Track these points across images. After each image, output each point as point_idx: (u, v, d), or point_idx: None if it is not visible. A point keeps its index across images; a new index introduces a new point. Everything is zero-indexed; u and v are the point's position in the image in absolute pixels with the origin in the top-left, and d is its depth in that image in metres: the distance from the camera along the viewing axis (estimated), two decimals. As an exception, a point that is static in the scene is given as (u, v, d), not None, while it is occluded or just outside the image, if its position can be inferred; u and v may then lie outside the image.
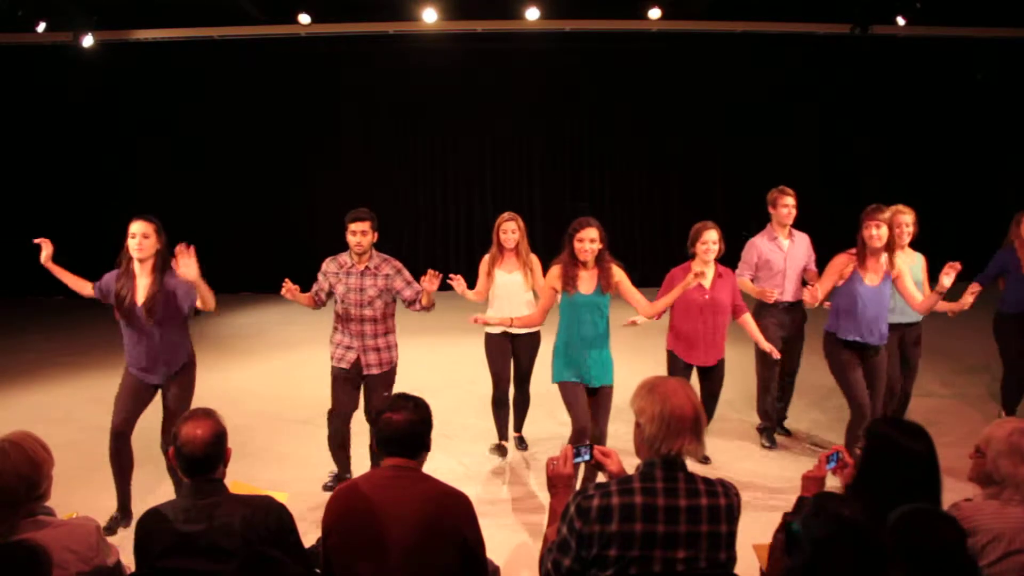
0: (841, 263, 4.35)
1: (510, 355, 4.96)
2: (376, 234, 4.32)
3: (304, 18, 9.90)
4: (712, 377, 4.68)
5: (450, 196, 12.12)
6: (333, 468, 4.61)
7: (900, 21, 9.95)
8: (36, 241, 4.06)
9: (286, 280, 4.29)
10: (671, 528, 2.03)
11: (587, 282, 4.00)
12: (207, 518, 2.19)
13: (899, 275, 4.31)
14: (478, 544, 2.33)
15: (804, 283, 4.99)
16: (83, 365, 7.59)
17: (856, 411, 4.35)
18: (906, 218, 4.72)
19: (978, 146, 11.69)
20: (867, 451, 2.27)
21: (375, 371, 4.32)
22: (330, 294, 4.41)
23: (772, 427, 5.24)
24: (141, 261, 3.92)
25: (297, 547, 2.32)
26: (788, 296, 4.98)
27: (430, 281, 4.10)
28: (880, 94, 11.62)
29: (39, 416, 5.95)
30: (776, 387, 5.21)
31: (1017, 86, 11.31)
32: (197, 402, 4.53)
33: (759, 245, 5.07)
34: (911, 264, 4.71)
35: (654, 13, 9.83)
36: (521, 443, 5.26)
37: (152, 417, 4.16)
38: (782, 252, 5.02)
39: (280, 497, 2.42)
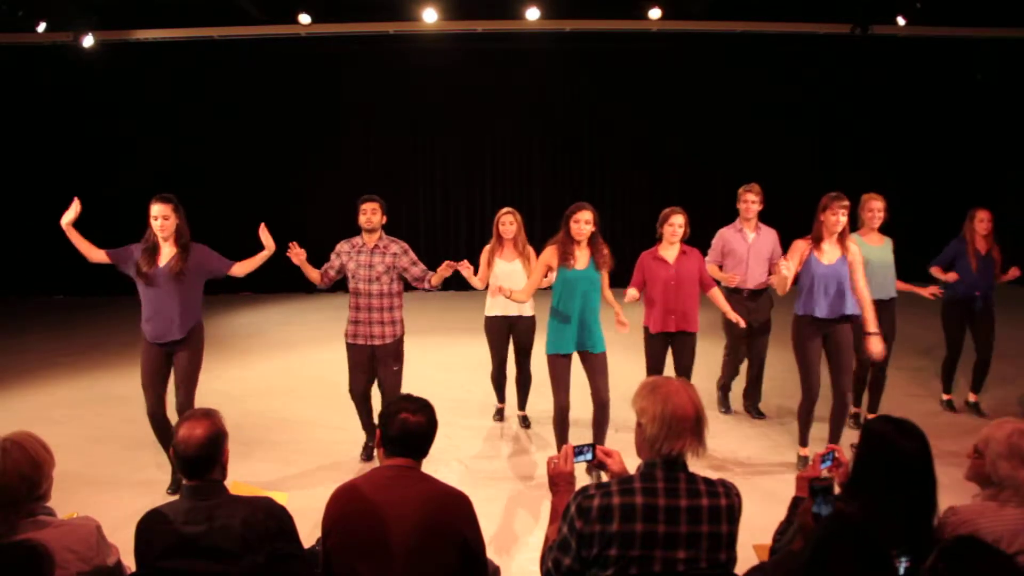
0: (799, 247, 4.62)
1: (508, 336, 5.39)
2: (385, 216, 4.71)
3: (304, 18, 9.90)
4: (683, 350, 4.96)
5: (450, 196, 12.13)
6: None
7: (900, 21, 9.95)
8: (75, 200, 4.36)
9: (293, 243, 4.61)
10: (672, 528, 2.03)
11: (582, 259, 4.42)
12: (207, 519, 2.18)
13: (852, 262, 4.56)
14: (478, 544, 2.33)
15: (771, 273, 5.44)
16: (83, 365, 7.60)
17: (806, 391, 4.69)
18: (877, 204, 5.15)
19: (978, 146, 11.69)
20: (861, 450, 2.27)
21: (379, 342, 4.66)
22: (340, 273, 4.77)
23: (727, 390, 5.81)
24: (165, 239, 4.37)
25: (297, 548, 2.31)
26: (751, 284, 5.43)
27: (446, 269, 4.50)
28: (880, 94, 11.62)
29: (40, 416, 5.95)
30: (740, 358, 5.71)
31: (1017, 86, 11.31)
32: (197, 402, 4.57)
33: (724, 235, 5.55)
34: (880, 246, 5.16)
35: (654, 13, 9.82)
36: (524, 421, 5.59)
37: (144, 425, 4.27)
38: (746, 243, 5.47)
39: (280, 498, 2.42)
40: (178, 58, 11.01)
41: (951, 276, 5.47)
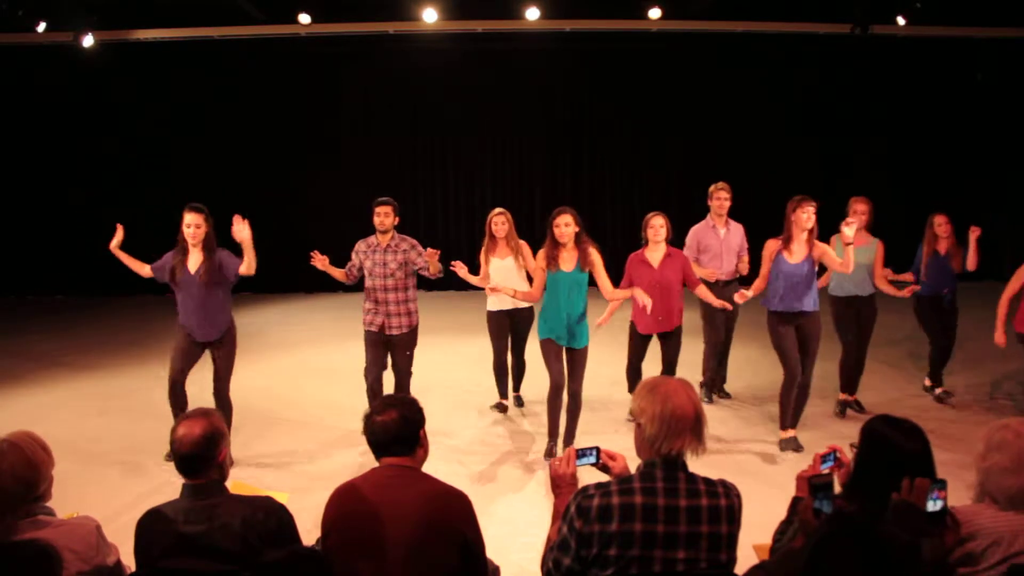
0: (771, 248, 4.95)
1: (508, 329, 5.76)
2: (398, 218, 5.11)
3: (304, 18, 9.90)
4: (669, 344, 5.30)
5: (450, 196, 12.12)
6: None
7: (900, 21, 9.94)
8: (118, 227, 4.90)
9: (315, 252, 4.99)
10: (671, 528, 2.03)
11: (568, 261, 4.67)
12: (207, 519, 2.18)
13: (823, 252, 4.87)
14: (478, 543, 2.33)
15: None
16: (83, 365, 7.60)
17: (788, 375, 4.98)
18: (862, 207, 5.54)
19: (978, 146, 11.68)
20: (862, 450, 2.27)
21: (396, 332, 5.08)
22: (361, 270, 5.16)
23: (712, 384, 6.12)
24: (194, 245, 4.75)
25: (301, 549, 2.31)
26: (724, 276, 5.87)
27: (431, 255, 4.96)
28: (880, 94, 11.61)
29: (40, 416, 5.96)
30: (719, 351, 6.04)
31: (1017, 86, 11.30)
32: (198, 403, 4.57)
33: (698, 233, 5.95)
34: (865, 246, 5.49)
35: (654, 13, 9.82)
36: (519, 401, 6.04)
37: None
38: (718, 238, 5.89)
39: (280, 497, 2.42)
40: (178, 58, 11.00)
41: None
